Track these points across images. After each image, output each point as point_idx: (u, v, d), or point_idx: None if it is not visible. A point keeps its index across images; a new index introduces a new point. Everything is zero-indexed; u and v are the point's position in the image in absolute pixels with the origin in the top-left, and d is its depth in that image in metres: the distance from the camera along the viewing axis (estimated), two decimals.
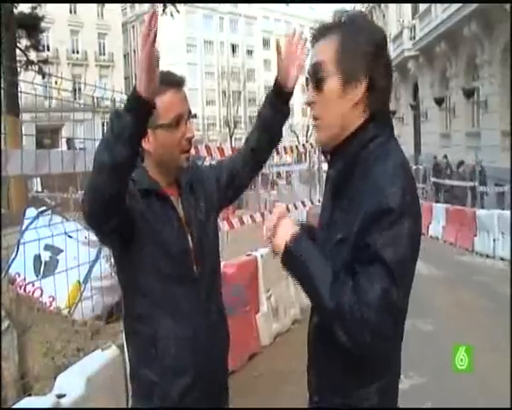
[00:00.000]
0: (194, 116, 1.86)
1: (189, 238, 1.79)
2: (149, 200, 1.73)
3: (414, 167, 20.03)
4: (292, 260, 1.36)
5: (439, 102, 22.95)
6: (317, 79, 1.40)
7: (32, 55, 19.83)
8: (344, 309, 1.24)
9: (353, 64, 1.35)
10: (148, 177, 1.78)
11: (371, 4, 36.18)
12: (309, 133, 47.74)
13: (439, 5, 21.13)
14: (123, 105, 1.48)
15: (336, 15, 1.41)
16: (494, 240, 10.50)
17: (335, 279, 1.28)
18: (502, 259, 10.15)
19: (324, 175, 1.64)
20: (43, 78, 18.06)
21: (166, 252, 1.72)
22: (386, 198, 1.26)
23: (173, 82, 1.74)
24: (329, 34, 1.39)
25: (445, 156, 19.42)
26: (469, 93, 19.86)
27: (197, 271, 1.78)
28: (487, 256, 10.58)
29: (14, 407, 2.43)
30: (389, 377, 1.45)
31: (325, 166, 1.54)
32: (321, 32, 1.41)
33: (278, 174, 24.31)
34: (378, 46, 1.37)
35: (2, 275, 4.00)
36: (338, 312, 1.25)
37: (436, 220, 13.50)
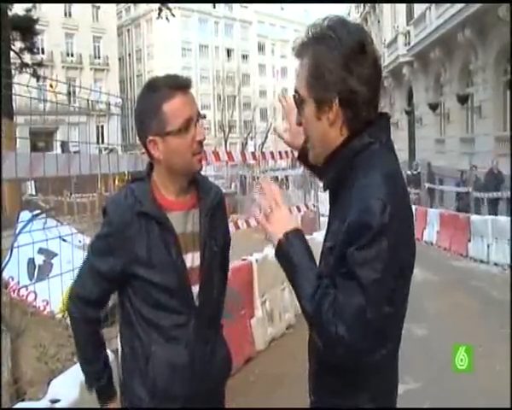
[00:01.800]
0: (204, 117, 1.83)
1: (191, 263, 1.72)
2: (148, 222, 1.66)
3: (408, 173, 20.08)
4: (283, 254, 1.40)
5: (434, 107, 23.08)
6: (297, 104, 1.45)
7: (27, 57, 19.78)
8: (321, 319, 1.28)
9: (323, 89, 1.36)
10: (152, 197, 1.69)
11: (366, 10, 36.33)
12: None
13: (433, 11, 21.27)
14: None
15: (309, 30, 1.40)
16: (488, 245, 10.54)
17: (320, 285, 1.31)
18: (496, 264, 10.18)
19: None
20: (38, 80, 18.02)
21: (162, 284, 1.66)
22: (367, 213, 1.26)
23: (180, 85, 1.66)
24: (303, 55, 1.41)
25: (429, 164, 19.43)
26: (463, 99, 19.98)
27: (198, 300, 1.72)
28: (481, 261, 10.60)
29: None
30: (383, 386, 1.45)
31: None
32: (298, 53, 1.43)
33: (273, 179, 24.31)
34: (348, 57, 1.33)
35: None
36: (315, 319, 1.30)
37: (430, 225, 13.53)
